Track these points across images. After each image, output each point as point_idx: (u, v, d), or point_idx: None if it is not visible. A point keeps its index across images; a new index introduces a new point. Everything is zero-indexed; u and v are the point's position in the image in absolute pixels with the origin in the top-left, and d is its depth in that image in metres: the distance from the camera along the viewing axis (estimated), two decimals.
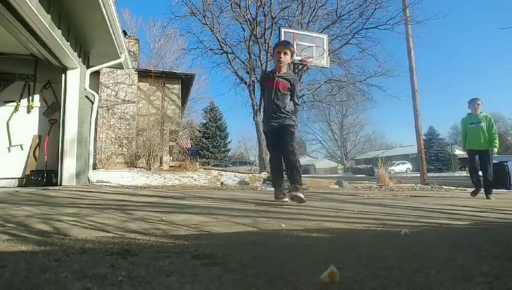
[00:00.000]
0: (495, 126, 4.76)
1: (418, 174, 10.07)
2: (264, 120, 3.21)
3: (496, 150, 4.71)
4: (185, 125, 18.74)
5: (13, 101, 5.57)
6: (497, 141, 4.70)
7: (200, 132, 31.61)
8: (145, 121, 10.50)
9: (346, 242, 1.00)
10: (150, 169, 9.47)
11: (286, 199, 2.92)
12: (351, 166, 42.47)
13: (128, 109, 10.44)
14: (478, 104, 4.79)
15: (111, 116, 10.30)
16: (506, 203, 3.48)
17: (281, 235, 1.34)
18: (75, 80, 5.26)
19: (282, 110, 2.99)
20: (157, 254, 0.66)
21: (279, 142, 3.02)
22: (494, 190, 4.87)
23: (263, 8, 11.82)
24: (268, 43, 12.01)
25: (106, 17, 4.48)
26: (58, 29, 4.22)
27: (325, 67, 7.62)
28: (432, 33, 69.25)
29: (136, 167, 9.81)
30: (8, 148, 5.45)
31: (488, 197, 4.39)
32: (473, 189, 4.77)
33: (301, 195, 2.71)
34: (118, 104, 10.38)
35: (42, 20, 3.67)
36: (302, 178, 3.08)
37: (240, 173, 10.30)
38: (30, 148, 5.53)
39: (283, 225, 1.59)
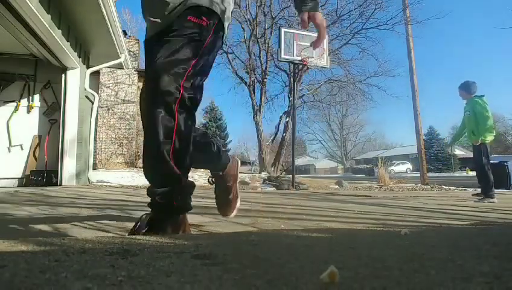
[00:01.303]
0: (481, 109, 3.72)
1: (418, 174, 10.07)
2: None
3: (487, 140, 3.69)
4: None
5: (13, 101, 5.57)
6: (485, 129, 3.68)
7: None
8: None
9: (346, 242, 1.00)
10: None
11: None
12: (351, 166, 42.52)
13: (128, 109, 10.44)
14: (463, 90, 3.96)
15: (111, 116, 10.29)
16: (506, 203, 3.48)
17: (281, 235, 1.33)
18: (75, 80, 5.26)
19: None
20: (157, 254, 0.66)
21: None
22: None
23: (263, 8, 11.83)
24: (268, 43, 12.02)
25: (106, 17, 4.49)
26: (58, 29, 4.22)
27: (325, 67, 7.62)
28: (431, 33, 69.23)
29: (136, 167, 9.81)
30: (8, 148, 5.45)
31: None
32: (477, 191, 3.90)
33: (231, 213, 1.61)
34: (118, 104, 10.38)
35: (42, 20, 3.67)
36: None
37: (239, 173, 10.27)
38: (30, 148, 5.53)
39: (283, 225, 1.59)
